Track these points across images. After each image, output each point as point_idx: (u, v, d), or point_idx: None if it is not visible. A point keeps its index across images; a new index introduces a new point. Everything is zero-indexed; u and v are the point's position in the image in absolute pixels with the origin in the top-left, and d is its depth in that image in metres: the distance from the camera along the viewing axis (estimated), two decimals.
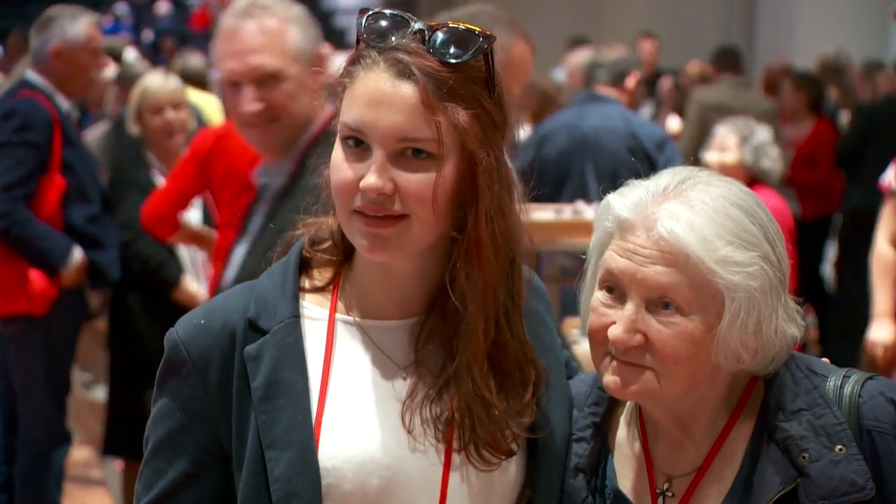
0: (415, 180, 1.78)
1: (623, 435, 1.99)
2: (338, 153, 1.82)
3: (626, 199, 1.87)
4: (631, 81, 6.18)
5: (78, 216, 5.13)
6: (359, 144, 1.80)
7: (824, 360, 1.98)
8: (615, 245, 1.87)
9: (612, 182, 1.95)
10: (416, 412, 1.86)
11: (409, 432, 1.85)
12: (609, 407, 1.99)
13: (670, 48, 11.93)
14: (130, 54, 8.70)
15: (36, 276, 5.00)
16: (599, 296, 1.88)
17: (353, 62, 1.83)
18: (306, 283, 1.93)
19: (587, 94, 6.12)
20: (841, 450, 1.81)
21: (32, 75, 5.21)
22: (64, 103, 5.17)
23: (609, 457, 1.98)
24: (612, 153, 5.78)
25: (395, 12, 1.83)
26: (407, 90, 1.77)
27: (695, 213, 1.83)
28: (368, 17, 1.83)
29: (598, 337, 1.87)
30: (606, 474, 1.97)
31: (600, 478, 1.96)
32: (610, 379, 1.86)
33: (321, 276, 1.93)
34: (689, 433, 1.92)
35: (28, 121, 4.99)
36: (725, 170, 5.60)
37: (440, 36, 1.80)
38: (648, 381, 1.84)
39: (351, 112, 1.80)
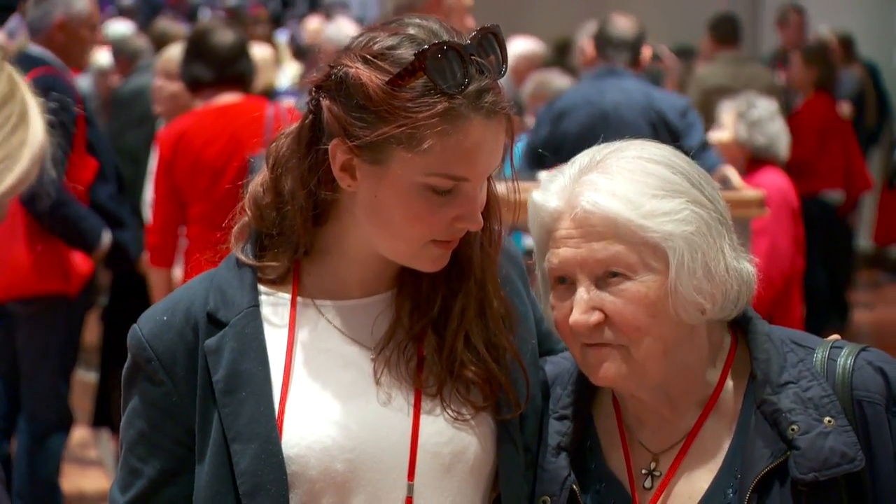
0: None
1: (609, 414, 1.97)
2: (421, 201, 1.80)
3: (548, 191, 1.89)
4: (645, 57, 6.08)
5: (103, 195, 5.11)
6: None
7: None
8: (551, 240, 1.87)
9: None
10: (387, 365, 1.87)
11: (378, 383, 1.85)
12: (595, 386, 1.96)
13: (676, 25, 11.80)
14: (120, 28, 8.60)
15: (79, 257, 4.96)
16: (553, 294, 1.88)
17: (442, 116, 1.76)
18: (260, 274, 1.90)
19: (604, 68, 5.94)
20: (830, 421, 1.80)
21: (36, 49, 5.13)
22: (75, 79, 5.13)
23: (595, 437, 1.96)
24: (634, 129, 5.65)
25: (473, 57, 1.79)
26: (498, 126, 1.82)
27: (613, 180, 1.84)
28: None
29: (564, 331, 1.88)
30: (592, 454, 1.95)
31: (585, 458, 1.94)
32: (590, 369, 1.86)
33: (276, 264, 1.90)
34: (677, 409, 1.90)
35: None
36: (723, 148, 5.56)
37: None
38: (624, 359, 1.83)
39: (456, 167, 1.78)
